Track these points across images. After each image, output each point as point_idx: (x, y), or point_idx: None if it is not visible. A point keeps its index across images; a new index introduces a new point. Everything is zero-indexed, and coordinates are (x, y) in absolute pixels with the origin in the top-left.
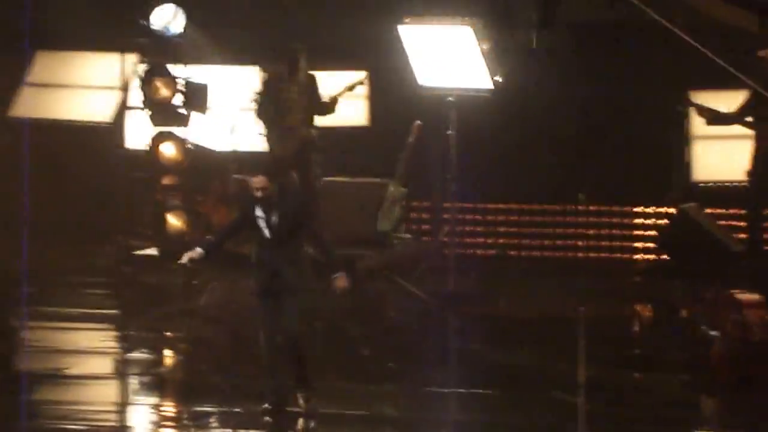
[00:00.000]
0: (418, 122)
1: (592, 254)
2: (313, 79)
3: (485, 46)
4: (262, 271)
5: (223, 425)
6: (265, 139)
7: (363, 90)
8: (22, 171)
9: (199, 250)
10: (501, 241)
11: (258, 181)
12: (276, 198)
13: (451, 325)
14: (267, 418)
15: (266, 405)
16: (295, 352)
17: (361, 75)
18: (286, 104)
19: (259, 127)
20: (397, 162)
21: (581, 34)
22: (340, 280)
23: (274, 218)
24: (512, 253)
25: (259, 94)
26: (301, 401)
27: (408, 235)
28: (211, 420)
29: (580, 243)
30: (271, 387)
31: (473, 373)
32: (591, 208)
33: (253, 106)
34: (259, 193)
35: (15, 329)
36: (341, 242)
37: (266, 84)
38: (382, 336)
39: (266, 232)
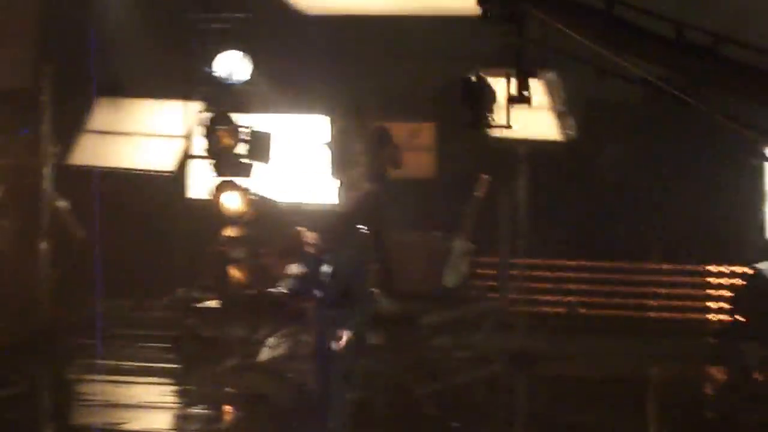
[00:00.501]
0: (486, 176)
1: (664, 314)
2: (385, 131)
3: (556, 99)
4: (313, 331)
5: None
6: (336, 192)
7: (429, 141)
8: (85, 219)
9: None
10: (570, 298)
11: (309, 236)
12: (329, 256)
13: (518, 384)
14: None
15: None
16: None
17: (418, 125)
18: (351, 158)
19: (326, 179)
20: (463, 216)
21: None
22: (338, 338)
23: (324, 278)
24: (582, 311)
25: (327, 146)
26: None
27: (475, 291)
28: None
29: (652, 302)
30: None
31: None
32: (663, 266)
33: (324, 158)
34: (310, 249)
35: (73, 382)
36: (406, 296)
37: (334, 137)
38: (446, 394)
39: (317, 292)
